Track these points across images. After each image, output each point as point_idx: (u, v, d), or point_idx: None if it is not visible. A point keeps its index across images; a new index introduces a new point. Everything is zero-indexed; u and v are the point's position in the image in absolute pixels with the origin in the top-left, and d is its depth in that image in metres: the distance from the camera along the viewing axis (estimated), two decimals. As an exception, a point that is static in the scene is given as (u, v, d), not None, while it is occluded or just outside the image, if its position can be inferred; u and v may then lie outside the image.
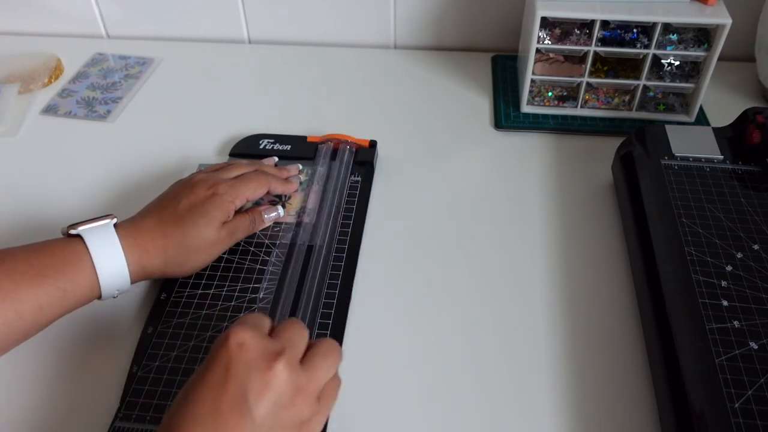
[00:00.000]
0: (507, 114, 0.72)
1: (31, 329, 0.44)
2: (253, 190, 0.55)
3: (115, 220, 0.49)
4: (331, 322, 0.50)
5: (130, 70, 0.81)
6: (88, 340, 0.51)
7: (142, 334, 0.50)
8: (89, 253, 0.46)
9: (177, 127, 0.72)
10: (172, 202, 0.52)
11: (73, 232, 0.47)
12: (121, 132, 0.72)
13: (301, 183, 0.62)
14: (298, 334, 0.40)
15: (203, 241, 0.51)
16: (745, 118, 0.59)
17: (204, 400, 0.35)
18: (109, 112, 0.74)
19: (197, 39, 0.87)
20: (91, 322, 0.52)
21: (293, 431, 0.37)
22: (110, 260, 0.46)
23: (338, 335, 0.50)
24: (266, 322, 0.41)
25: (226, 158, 0.66)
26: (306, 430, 0.38)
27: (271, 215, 0.58)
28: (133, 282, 0.49)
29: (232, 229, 0.53)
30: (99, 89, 0.78)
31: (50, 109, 0.75)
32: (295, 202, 0.60)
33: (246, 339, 0.37)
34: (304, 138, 0.66)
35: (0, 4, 0.86)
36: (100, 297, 0.48)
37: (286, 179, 0.60)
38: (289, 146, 0.65)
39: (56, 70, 0.80)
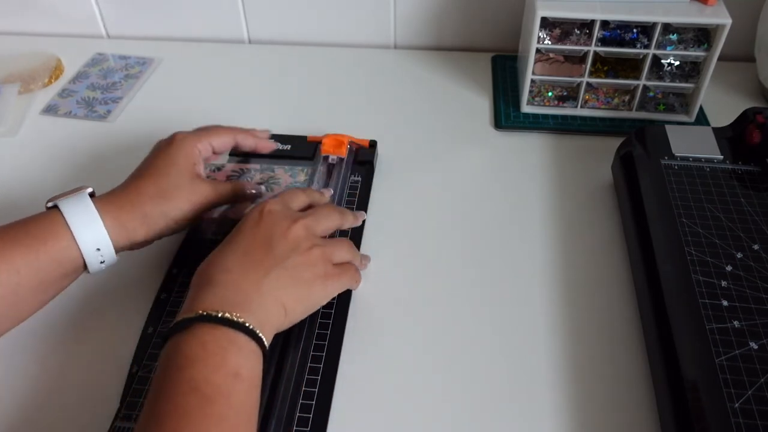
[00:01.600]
0: (507, 114, 0.72)
1: (11, 296, 0.44)
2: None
3: (90, 190, 0.49)
4: (331, 322, 0.50)
5: (130, 70, 0.81)
6: (88, 339, 0.51)
7: (142, 334, 0.50)
8: (64, 218, 0.46)
9: (177, 127, 0.71)
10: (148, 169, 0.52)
11: (49, 204, 0.48)
12: (121, 132, 0.72)
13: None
14: (325, 215, 0.50)
15: (178, 181, 0.51)
16: (745, 118, 0.59)
17: (239, 242, 0.45)
18: (109, 112, 0.74)
19: (197, 39, 0.87)
20: (92, 321, 0.52)
21: (309, 283, 0.46)
22: (85, 221, 0.46)
23: (339, 335, 0.50)
24: (300, 199, 0.51)
25: (226, 158, 0.66)
26: (320, 286, 0.46)
27: (252, 192, 0.58)
28: (118, 247, 0.48)
29: (214, 184, 0.54)
30: (99, 89, 0.78)
31: (50, 109, 0.75)
32: None
33: (275, 208, 0.48)
34: (304, 138, 0.66)
35: (0, 4, 0.86)
36: (85, 266, 0.47)
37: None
38: (289, 146, 0.65)
39: (56, 70, 0.80)
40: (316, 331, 0.50)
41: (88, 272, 0.48)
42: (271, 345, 0.48)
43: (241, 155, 0.66)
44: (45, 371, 0.49)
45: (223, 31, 0.86)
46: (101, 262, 0.48)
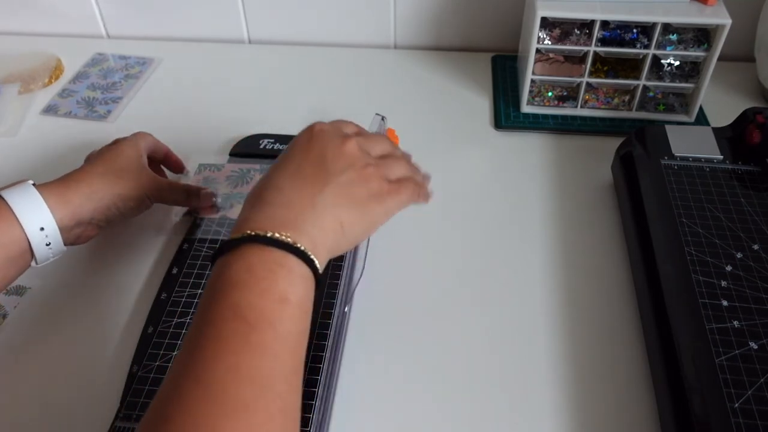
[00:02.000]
0: (507, 114, 0.72)
1: None
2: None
3: (32, 182, 0.49)
4: (331, 323, 0.50)
5: (130, 70, 0.81)
6: (88, 340, 0.51)
7: (142, 334, 0.50)
8: (6, 202, 0.46)
9: (177, 127, 0.72)
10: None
11: None
12: (121, 132, 0.71)
13: None
14: (377, 140, 0.47)
15: (127, 165, 0.53)
16: (745, 118, 0.59)
17: (291, 159, 0.43)
18: (109, 112, 0.74)
19: (197, 39, 0.87)
20: (92, 321, 0.52)
21: (366, 199, 0.42)
22: (27, 201, 0.47)
23: (339, 334, 0.50)
24: (350, 127, 0.47)
25: (226, 158, 0.66)
26: (378, 203, 0.43)
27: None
28: (63, 225, 0.48)
29: (162, 178, 0.56)
30: (99, 89, 0.78)
31: (50, 109, 0.75)
32: None
33: (326, 127, 0.45)
34: (304, 138, 0.66)
35: (0, 4, 0.86)
36: (32, 252, 0.47)
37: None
38: (289, 146, 0.65)
39: (56, 70, 0.80)
40: (317, 331, 0.50)
41: (36, 263, 0.48)
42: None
43: (241, 155, 0.66)
44: (46, 372, 0.49)
45: (223, 31, 0.86)
46: (47, 245, 0.48)
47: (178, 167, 0.63)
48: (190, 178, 0.63)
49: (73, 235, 0.50)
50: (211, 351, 0.33)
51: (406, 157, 0.49)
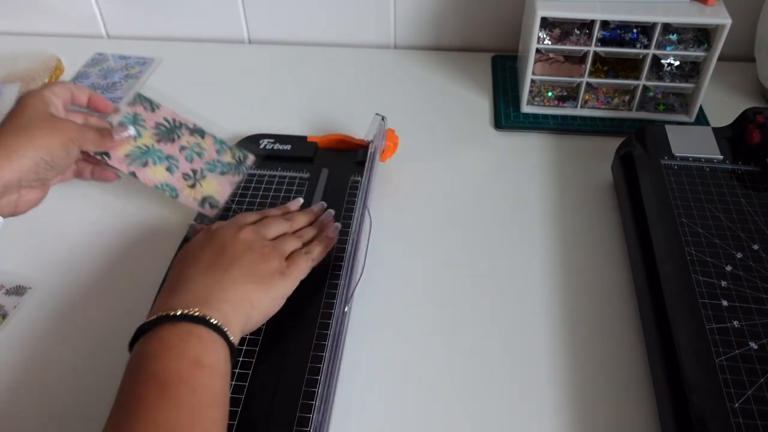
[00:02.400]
0: (507, 114, 0.72)
1: None
2: None
3: None
4: (331, 323, 0.50)
5: (130, 70, 0.81)
6: (89, 340, 0.51)
7: (142, 334, 0.50)
8: None
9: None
10: None
11: None
12: (121, 132, 0.72)
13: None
14: (271, 223, 0.51)
15: (36, 116, 0.50)
16: (745, 118, 0.59)
17: (194, 253, 0.47)
18: (109, 112, 0.74)
19: (197, 39, 0.87)
20: (92, 322, 0.52)
21: (269, 276, 0.46)
22: None
23: (340, 334, 0.50)
24: (250, 216, 0.52)
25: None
26: (280, 277, 0.47)
27: (122, 135, 0.55)
28: None
29: (77, 122, 0.52)
30: (99, 89, 0.78)
31: (50, 109, 0.75)
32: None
33: (223, 223, 0.50)
34: (304, 138, 0.66)
35: (0, 4, 0.86)
36: None
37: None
38: (289, 146, 0.65)
39: (56, 70, 0.80)
40: (317, 331, 0.50)
41: None
42: (272, 345, 0.48)
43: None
44: (47, 372, 0.49)
45: (223, 31, 0.86)
46: None
47: (105, 109, 0.57)
48: (122, 111, 0.57)
49: (8, 203, 0.49)
50: (134, 410, 0.36)
51: (310, 216, 0.55)
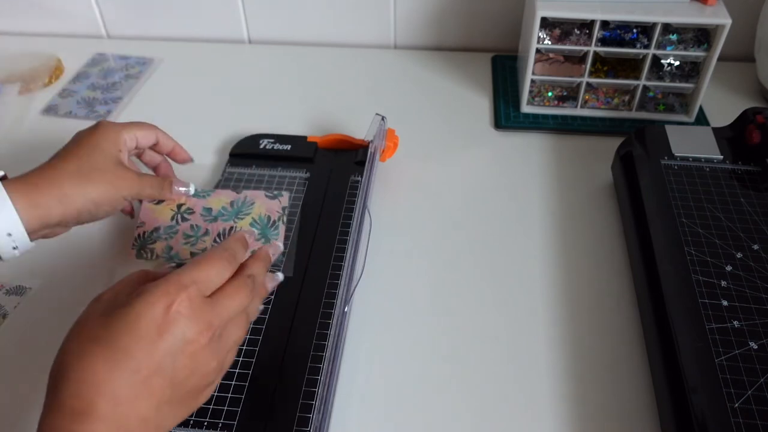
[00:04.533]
0: (507, 114, 0.72)
1: None
2: None
3: (2, 173, 0.47)
4: (331, 323, 0.50)
5: (130, 70, 0.81)
6: (88, 340, 0.51)
7: (142, 334, 0.50)
8: None
9: (177, 128, 0.71)
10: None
11: None
12: (121, 132, 0.72)
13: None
14: (210, 270, 0.40)
15: (102, 164, 0.49)
16: (744, 118, 0.59)
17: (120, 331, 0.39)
18: (109, 112, 0.74)
19: (197, 39, 0.87)
20: (92, 322, 0.52)
21: (194, 398, 0.38)
22: None
23: (340, 334, 0.50)
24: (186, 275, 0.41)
25: (226, 158, 0.66)
26: (202, 399, 0.39)
27: (180, 189, 0.55)
28: (31, 229, 0.46)
29: (140, 174, 0.52)
30: (99, 89, 0.78)
31: (50, 110, 0.75)
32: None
33: (147, 287, 0.39)
34: (304, 138, 0.66)
35: (0, 4, 0.86)
36: None
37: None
38: (289, 146, 0.65)
39: (56, 70, 0.80)
40: (317, 331, 0.50)
41: (1, 259, 0.46)
42: (272, 345, 0.48)
43: (241, 156, 0.66)
44: (45, 371, 0.49)
45: (223, 31, 0.86)
46: (14, 248, 0.46)
47: (184, 160, 0.59)
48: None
49: (40, 235, 0.48)
50: None
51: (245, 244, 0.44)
